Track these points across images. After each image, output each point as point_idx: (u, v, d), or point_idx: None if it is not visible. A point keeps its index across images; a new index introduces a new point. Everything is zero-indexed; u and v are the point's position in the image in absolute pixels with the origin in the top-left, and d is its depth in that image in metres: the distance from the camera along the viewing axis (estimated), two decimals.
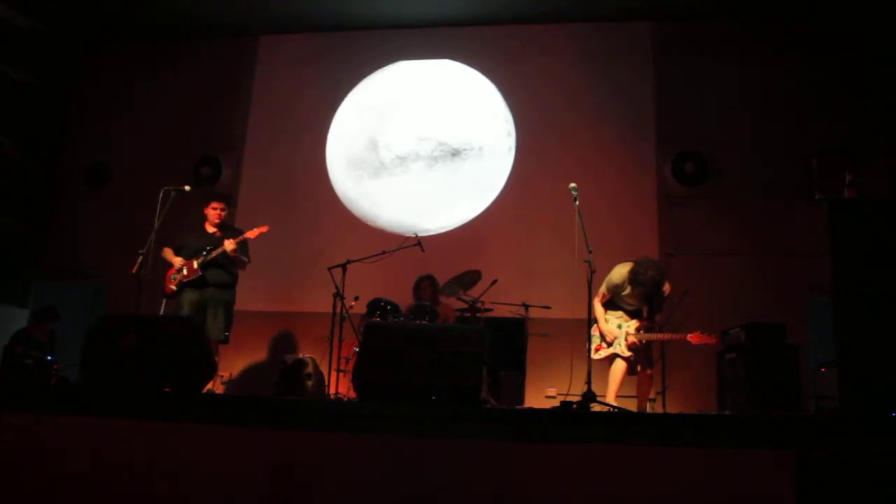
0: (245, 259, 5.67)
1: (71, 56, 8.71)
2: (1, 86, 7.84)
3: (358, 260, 6.24)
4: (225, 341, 5.59)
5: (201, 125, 8.26)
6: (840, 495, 2.67)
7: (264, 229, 5.60)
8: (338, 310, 5.98)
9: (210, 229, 5.69)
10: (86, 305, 7.75)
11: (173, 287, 5.52)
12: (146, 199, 5.72)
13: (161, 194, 5.49)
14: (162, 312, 5.51)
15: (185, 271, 5.50)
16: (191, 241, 5.62)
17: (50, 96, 8.50)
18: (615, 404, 4.76)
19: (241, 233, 5.63)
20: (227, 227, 5.81)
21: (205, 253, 5.49)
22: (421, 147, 7.79)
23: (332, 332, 6.01)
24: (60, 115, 8.63)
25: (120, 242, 6.66)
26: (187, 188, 5.63)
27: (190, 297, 5.48)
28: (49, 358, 6.18)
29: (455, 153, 7.67)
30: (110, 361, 3.80)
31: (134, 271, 5.38)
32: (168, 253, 5.62)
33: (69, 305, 7.40)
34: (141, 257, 5.33)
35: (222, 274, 5.56)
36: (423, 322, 5.73)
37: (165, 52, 8.55)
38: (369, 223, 7.77)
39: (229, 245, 5.42)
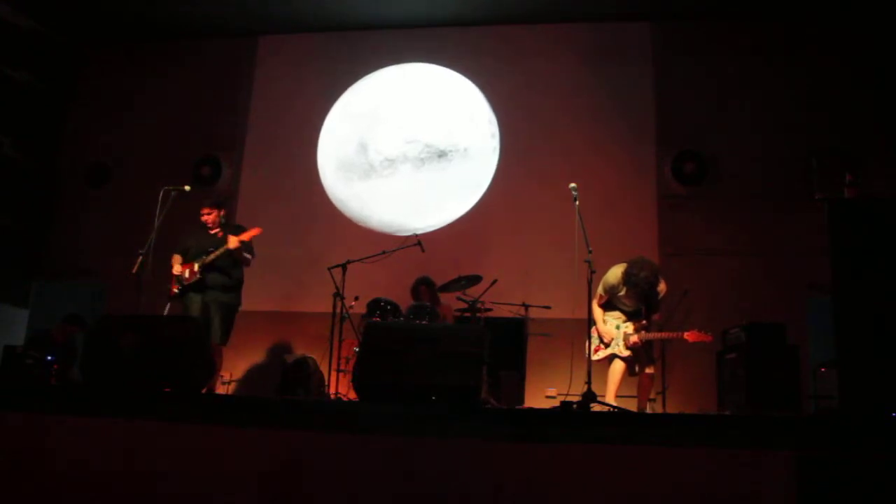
0: (248, 256, 5.64)
1: (71, 56, 8.70)
2: (1, 86, 7.84)
3: (358, 260, 6.24)
4: (222, 344, 5.54)
5: (201, 125, 8.25)
6: (840, 495, 2.67)
7: (256, 232, 5.58)
8: (338, 310, 5.98)
9: (212, 231, 5.68)
10: (86, 305, 7.75)
11: (175, 290, 5.52)
12: (146, 199, 5.72)
13: (161, 194, 5.49)
14: (166, 314, 5.48)
15: (186, 274, 5.50)
16: (193, 243, 5.63)
17: (50, 96, 8.49)
18: (615, 404, 4.76)
19: (244, 229, 5.61)
20: (228, 226, 5.78)
21: (205, 255, 5.49)
22: (408, 149, 7.88)
23: (332, 332, 6.01)
24: (60, 115, 8.62)
25: (120, 242, 6.66)
26: (187, 188, 5.63)
27: (193, 300, 5.48)
28: (49, 358, 6.18)
29: (441, 154, 7.77)
30: (110, 361, 3.80)
31: (134, 271, 5.39)
32: (175, 260, 5.61)
33: (69, 305, 7.40)
34: (141, 257, 5.33)
35: (222, 277, 5.53)
36: (423, 322, 5.73)
37: (165, 52, 8.55)
38: (361, 224, 7.80)
39: (233, 242, 5.39)
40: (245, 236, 5.51)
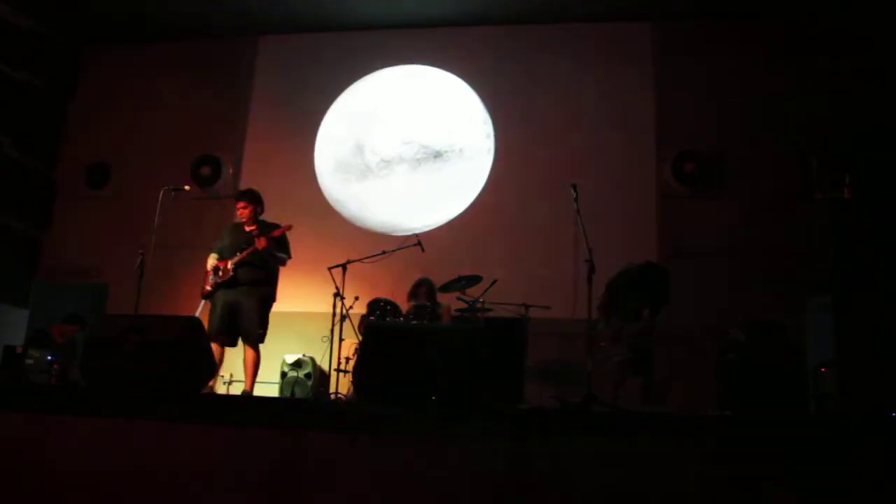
0: (282, 256, 5.50)
1: (71, 56, 8.70)
2: (1, 86, 7.83)
3: (358, 260, 6.24)
4: (259, 339, 5.38)
5: (201, 125, 8.25)
6: (841, 496, 2.67)
7: (285, 228, 5.44)
8: (338, 310, 5.98)
9: (247, 227, 5.54)
10: (86, 305, 7.74)
11: (208, 288, 5.40)
12: (146, 199, 5.73)
13: (161, 194, 5.49)
14: (198, 313, 5.37)
15: (220, 272, 5.38)
16: (227, 240, 5.50)
17: (50, 96, 8.49)
18: (615, 404, 4.75)
19: (278, 227, 5.48)
20: (263, 224, 5.61)
21: (239, 252, 5.36)
22: (404, 150, 7.91)
23: (332, 332, 6.01)
24: (60, 115, 8.62)
25: (120, 242, 6.66)
26: (187, 188, 5.64)
27: (224, 296, 5.34)
28: (49, 358, 6.18)
29: (437, 155, 7.81)
30: (110, 361, 3.80)
31: (134, 271, 5.39)
32: (211, 259, 5.48)
33: (69, 305, 7.40)
34: (141, 257, 5.33)
35: (253, 272, 5.38)
36: (424, 322, 5.73)
37: (165, 53, 8.54)
38: (359, 224, 7.81)
39: (261, 243, 5.28)
40: (275, 233, 5.38)
